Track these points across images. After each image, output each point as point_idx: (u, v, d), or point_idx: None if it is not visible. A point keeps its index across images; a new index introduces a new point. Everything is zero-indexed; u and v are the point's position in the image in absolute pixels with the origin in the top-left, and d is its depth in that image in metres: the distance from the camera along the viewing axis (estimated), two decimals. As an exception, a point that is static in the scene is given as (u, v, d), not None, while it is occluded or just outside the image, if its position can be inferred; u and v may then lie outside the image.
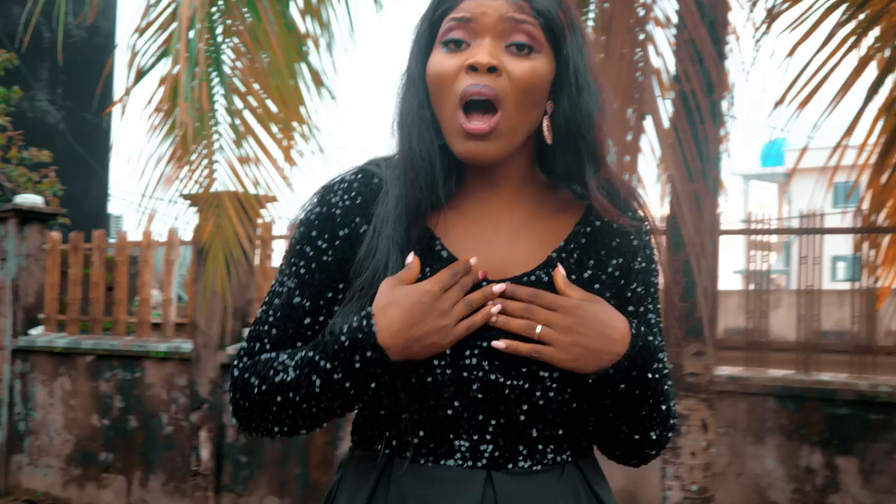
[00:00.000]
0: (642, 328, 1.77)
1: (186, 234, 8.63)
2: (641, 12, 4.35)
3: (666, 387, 1.79)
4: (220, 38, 5.06)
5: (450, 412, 1.69)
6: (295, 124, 5.08)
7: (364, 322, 1.66)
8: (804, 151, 5.72)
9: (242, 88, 5.20)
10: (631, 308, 1.81)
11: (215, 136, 5.40)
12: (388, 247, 1.70)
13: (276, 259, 8.25)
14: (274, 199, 6.23)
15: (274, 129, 5.27)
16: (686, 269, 4.51)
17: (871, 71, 5.98)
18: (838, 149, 5.97)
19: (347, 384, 1.68)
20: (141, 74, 5.12)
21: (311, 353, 1.70)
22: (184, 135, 4.57)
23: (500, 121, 1.67)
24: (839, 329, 9.22)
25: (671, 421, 1.83)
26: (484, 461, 1.70)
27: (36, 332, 9.74)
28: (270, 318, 1.80)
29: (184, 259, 9.90)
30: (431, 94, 1.72)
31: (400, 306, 1.64)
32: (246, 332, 8.27)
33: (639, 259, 1.81)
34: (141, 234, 9.11)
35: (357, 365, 1.66)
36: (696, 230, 4.26)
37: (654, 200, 5.09)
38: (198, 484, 8.29)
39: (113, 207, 20.28)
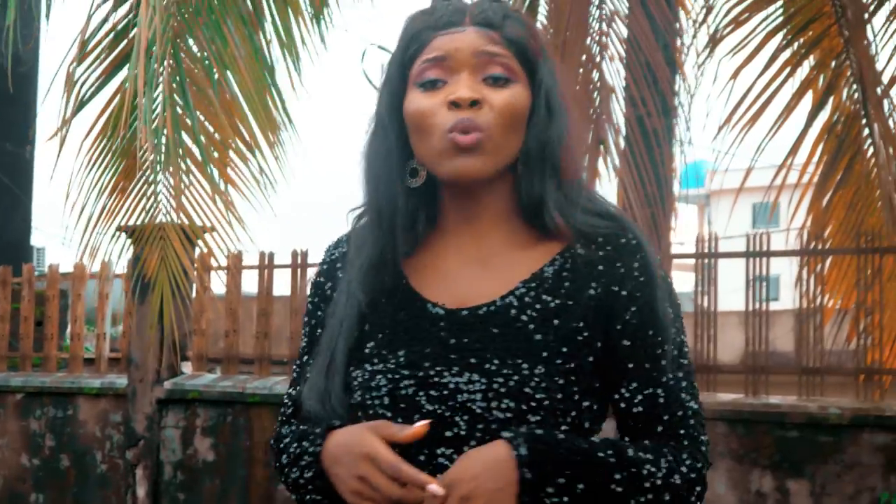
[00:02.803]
0: (646, 364, 1.67)
1: (120, 267, 8.43)
2: (596, 38, 4.34)
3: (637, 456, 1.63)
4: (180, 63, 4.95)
5: None
6: (257, 151, 5.01)
7: (319, 439, 1.68)
8: (750, 172, 5.76)
9: (200, 116, 5.09)
10: (626, 342, 1.68)
11: (164, 165, 5.28)
12: (344, 303, 1.72)
13: (216, 289, 8.11)
14: (211, 229, 6.12)
15: (226, 156, 5.18)
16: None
17: (811, 94, 6.07)
18: (782, 169, 6.03)
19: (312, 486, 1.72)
20: (82, 104, 4.99)
21: (298, 444, 1.73)
22: (130, 163, 4.46)
23: (483, 137, 1.63)
24: (778, 350, 9.26)
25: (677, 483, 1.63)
26: None
27: (-39, 369, 9.45)
28: (295, 377, 1.85)
29: (115, 292, 9.68)
30: (411, 132, 1.69)
31: (348, 436, 1.63)
32: (184, 366, 8.13)
33: (627, 286, 1.68)
34: (72, 267, 8.90)
35: (309, 474, 1.69)
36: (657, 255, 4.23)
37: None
38: (134, 523, 8.11)
39: (35, 239, 19.86)
